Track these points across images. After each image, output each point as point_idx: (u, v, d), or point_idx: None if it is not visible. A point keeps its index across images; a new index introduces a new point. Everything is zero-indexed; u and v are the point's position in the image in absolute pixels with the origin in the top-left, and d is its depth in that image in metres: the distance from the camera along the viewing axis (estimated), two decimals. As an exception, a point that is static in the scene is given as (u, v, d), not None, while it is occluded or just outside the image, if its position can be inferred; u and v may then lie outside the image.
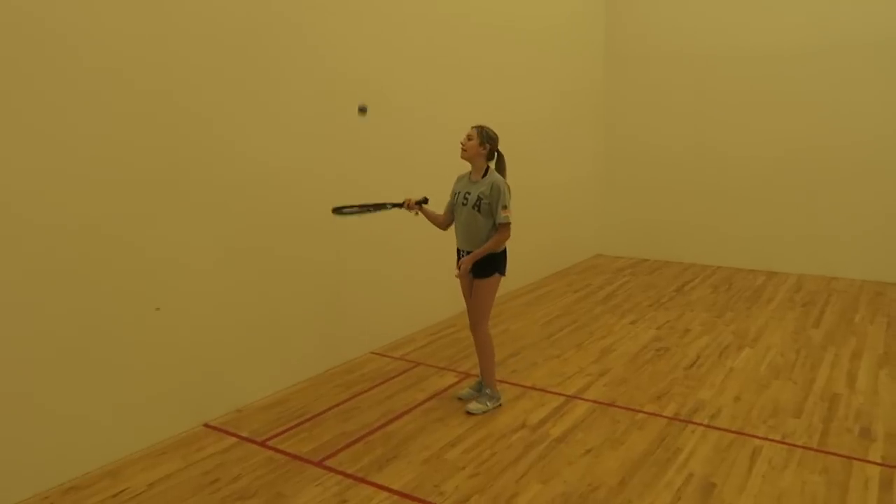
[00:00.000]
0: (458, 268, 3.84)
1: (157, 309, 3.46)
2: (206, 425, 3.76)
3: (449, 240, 4.14)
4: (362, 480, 3.13)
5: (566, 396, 4.13)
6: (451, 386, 4.32)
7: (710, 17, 7.58)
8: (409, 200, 3.97)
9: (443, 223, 4.05)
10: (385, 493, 3.02)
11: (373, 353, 4.93)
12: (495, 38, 6.21)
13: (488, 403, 3.93)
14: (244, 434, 3.64)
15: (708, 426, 3.67)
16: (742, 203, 7.65)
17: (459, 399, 4.09)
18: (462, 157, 3.86)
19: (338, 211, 3.85)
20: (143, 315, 3.41)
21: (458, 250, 3.93)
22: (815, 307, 6.08)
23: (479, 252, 3.77)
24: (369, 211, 3.91)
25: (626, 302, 6.37)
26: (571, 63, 7.65)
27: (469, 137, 3.82)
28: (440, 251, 4.89)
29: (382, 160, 4.92)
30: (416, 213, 3.99)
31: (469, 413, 3.86)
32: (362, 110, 4.10)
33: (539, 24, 6.91)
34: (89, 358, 3.19)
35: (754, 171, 7.53)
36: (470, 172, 3.92)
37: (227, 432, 3.67)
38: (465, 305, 4.07)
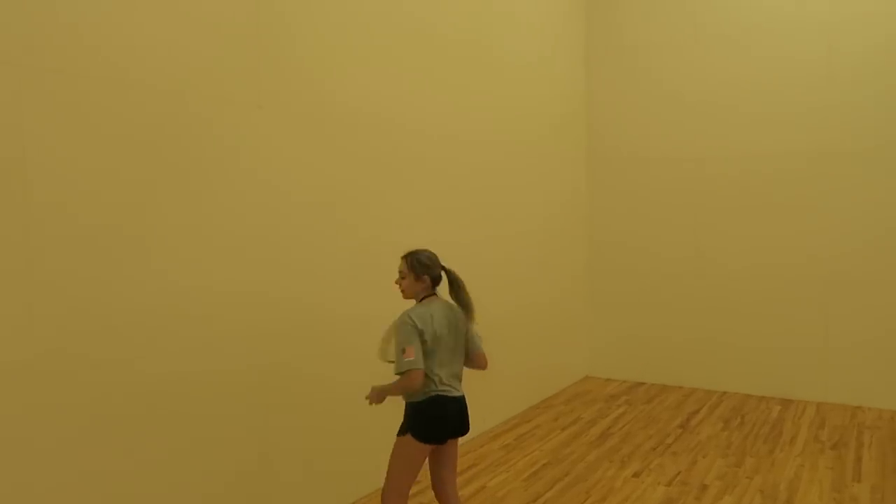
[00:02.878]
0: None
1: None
2: None
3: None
4: None
5: None
6: (407, 587, 3.24)
7: (698, 119, 7.05)
8: None
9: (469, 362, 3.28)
10: None
11: (310, 529, 3.85)
12: (468, 150, 5.52)
13: None
14: None
15: None
16: (747, 319, 6.83)
17: None
18: (406, 299, 3.13)
19: None
20: None
21: None
22: (849, 450, 5.13)
23: (384, 388, 3.05)
24: None
25: (625, 443, 5.36)
26: (552, 173, 6.96)
27: (402, 275, 3.10)
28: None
29: (338, 284, 4.06)
30: None
31: None
32: None
33: (515, 134, 6.24)
34: None
35: (758, 284, 6.77)
36: None
37: None
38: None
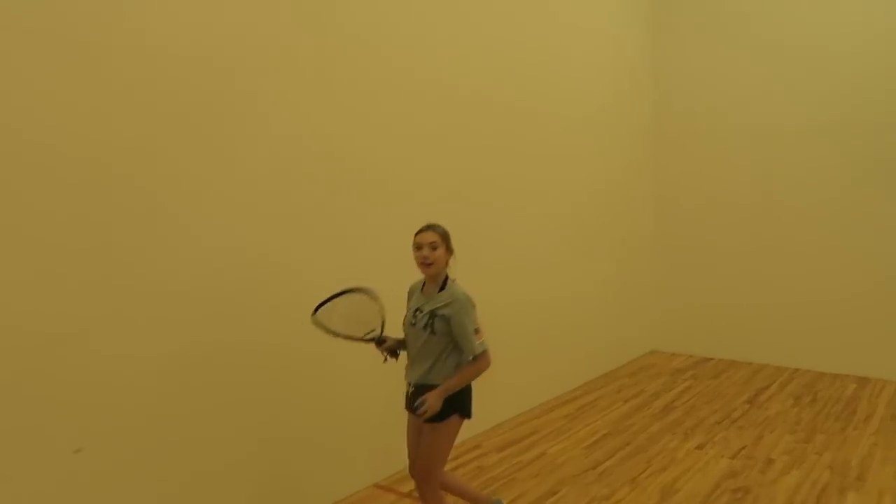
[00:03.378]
0: (415, 408, 2.83)
1: (78, 450, 2.68)
2: None
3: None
4: None
5: (617, 567, 3.13)
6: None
7: (765, 88, 6.75)
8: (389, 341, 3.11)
9: None
10: None
11: None
12: (535, 124, 5.50)
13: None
14: None
15: None
16: (821, 293, 6.56)
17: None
18: (429, 274, 2.97)
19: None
20: (58, 458, 2.64)
21: (410, 385, 3.03)
22: (929, 430, 4.92)
23: (450, 386, 2.86)
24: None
25: (689, 417, 5.31)
26: (616, 145, 6.81)
27: (433, 246, 2.90)
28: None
29: (374, 260, 4.03)
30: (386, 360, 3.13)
31: None
32: None
33: (583, 107, 6.18)
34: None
35: (833, 256, 6.48)
36: (423, 283, 3.07)
37: None
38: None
